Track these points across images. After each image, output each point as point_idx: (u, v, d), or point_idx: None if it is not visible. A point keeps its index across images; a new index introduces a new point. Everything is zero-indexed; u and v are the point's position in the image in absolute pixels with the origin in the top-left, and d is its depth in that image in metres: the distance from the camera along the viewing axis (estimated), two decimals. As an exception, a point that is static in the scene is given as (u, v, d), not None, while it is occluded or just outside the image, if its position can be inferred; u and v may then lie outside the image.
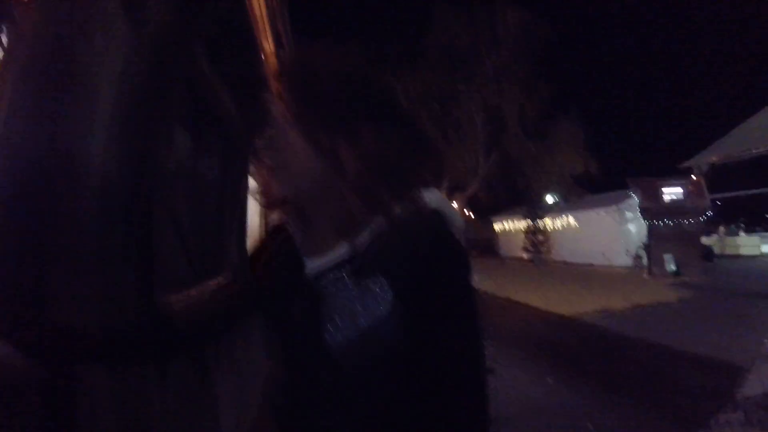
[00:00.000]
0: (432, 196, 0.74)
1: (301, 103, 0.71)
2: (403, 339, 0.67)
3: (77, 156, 0.98)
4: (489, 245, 28.22)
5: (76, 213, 0.96)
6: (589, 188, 22.74)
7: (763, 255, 20.63)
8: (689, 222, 13.78)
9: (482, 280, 12.89)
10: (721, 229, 21.94)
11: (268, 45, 3.33)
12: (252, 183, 0.75)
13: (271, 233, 0.90)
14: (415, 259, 0.66)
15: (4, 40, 1.10)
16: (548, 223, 22.13)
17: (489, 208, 29.69)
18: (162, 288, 1.35)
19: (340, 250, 0.72)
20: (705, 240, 16.21)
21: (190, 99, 1.92)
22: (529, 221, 22.09)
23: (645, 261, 14.35)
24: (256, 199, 0.82)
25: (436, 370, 0.67)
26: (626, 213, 17.31)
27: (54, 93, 0.96)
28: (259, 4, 2.55)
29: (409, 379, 0.67)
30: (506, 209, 27.79)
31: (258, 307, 0.88)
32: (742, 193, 13.71)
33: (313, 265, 0.75)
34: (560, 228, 21.65)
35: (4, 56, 1.03)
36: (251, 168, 0.74)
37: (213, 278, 1.08)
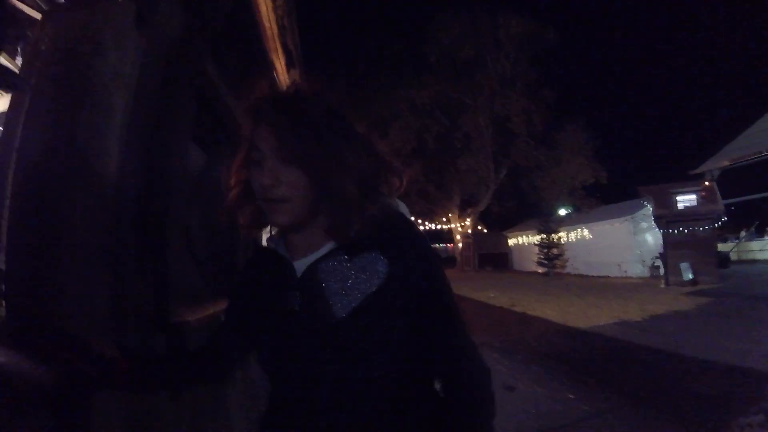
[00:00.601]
0: (397, 202, 0.91)
1: (296, 138, 0.78)
2: (396, 310, 0.80)
3: (92, 164, 0.99)
4: (503, 259, 27.98)
5: (88, 221, 0.96)
6: (600, 198, 22.61)
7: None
8: (704, 228, 13.57)
9: (497, 296, 12.75)
10: (743, 233, 21.54)
11: (280, 63, 3.37)
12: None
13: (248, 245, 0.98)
14: (389, 241, 0.82)
15: (21, 57, 1.13)
16: (562, 235, 21.92)
17: (502, 221, 29.56)
18: (178, 303, 1.35)
19: (328, 246, 0.83)
20: (720, 246, 15.92)
21: (204, 115, 1.94)
22: (543, 234, 21.88)
23: (661, 270, 14.10)
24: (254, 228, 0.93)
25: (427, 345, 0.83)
26: (640, 222, 17.12)
27: (70, 105, 0.98)
28: (270, 22, 2.59)
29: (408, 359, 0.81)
30: (519, 222, 27.62)
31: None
32: (756, 196, 13.42)
33: (302, 263, 0.85)
34: (574, 240, 21.42)
35: (21, 71, 1.06)
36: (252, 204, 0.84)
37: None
